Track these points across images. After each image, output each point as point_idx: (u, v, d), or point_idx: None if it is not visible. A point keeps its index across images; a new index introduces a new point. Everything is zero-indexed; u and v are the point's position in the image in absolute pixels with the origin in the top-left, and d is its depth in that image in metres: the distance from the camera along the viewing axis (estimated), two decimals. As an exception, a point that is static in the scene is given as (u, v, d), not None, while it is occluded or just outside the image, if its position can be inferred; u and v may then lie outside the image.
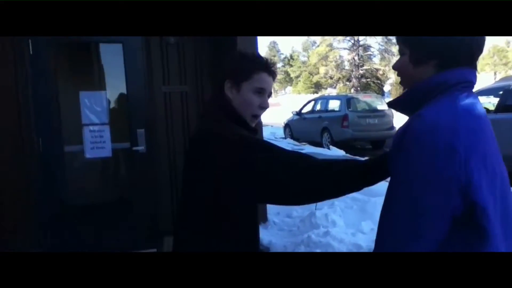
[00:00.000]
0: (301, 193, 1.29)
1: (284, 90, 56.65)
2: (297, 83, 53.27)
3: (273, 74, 1.52)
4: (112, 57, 3.90)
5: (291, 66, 56.68)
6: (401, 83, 1.20)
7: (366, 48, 41.72)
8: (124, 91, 3.81)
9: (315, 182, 1.29)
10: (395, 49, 41.47)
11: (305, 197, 1.32)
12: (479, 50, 1.10)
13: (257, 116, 1.52)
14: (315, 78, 47.46)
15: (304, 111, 14.96)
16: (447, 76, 1.07)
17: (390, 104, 1.21)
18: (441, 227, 0.98)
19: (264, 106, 1.50)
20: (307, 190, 1.29)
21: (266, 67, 1.50)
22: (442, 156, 0.94)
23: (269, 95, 1.54)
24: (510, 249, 1.03)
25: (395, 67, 1.20)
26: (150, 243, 3.82)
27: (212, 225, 1.37)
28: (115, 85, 3.90)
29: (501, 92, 7.51)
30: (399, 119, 16.34)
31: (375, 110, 13.12)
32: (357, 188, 1.36)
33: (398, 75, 1.20)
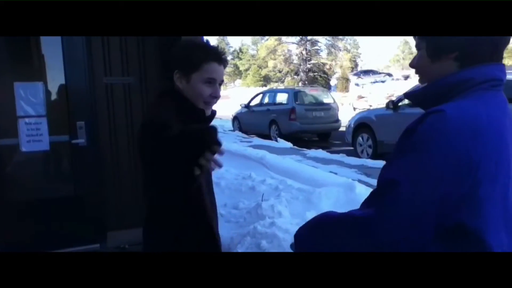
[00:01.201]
0: None
1: (233, 83, 56.53)
2: (246, 76, 53.33)
3: (224, 62, 1.47)
4: (51, 47, 3.71)
5: (240, 59, 56.60)
6: (420, 81, 1.11)
7: (314, 42, 42.41)
8: (64, 82, 3.65)
9: None
10: (341, 44, 42.53)
11: None
12: (505, 40, 1.01)
13: (209, 103, 1.48)
14: (264, 71, 47.74)
15: (252, 104, 15.04)
16: (473, 73, 0.98)
17: (406, 95, 1.12)
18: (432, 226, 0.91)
19: (215, 96, 1.46)
20: None
21: (216, 56, 1.45)
22: (454, 158, 0.87)
23: (221, 83, 1.50)
24: None
25: (412, 65, 1.10)
26: (93, 238, 3.71)
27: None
28: (54, 76, 3.71)
29: None
30: (345, 113, 16.83)
31: (322, 104, 13.43)
32: None
33: (416, 73, 1.10)
